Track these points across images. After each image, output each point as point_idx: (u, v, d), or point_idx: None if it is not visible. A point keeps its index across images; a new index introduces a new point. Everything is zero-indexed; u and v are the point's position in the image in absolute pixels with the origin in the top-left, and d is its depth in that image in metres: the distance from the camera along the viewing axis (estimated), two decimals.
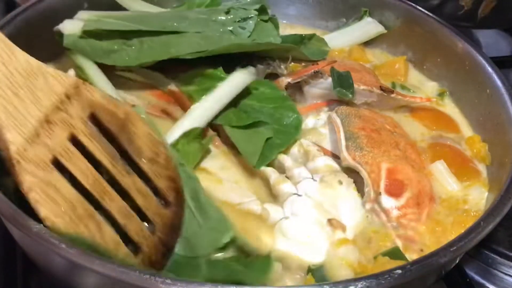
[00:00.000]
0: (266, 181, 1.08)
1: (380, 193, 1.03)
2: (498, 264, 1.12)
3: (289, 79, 1.23)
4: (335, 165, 1.09)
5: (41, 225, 0.82)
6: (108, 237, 0.83)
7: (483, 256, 1.13)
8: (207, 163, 1.09)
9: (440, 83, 1.41)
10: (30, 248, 0.94)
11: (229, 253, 0.93)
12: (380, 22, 1.50)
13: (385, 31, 1.49)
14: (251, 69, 1.20)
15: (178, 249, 0.90)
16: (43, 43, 1.28)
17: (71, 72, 1.18)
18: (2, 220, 0.90)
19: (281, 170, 1.09)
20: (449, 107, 1.36)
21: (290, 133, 1.13)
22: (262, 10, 1.32)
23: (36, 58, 1.26)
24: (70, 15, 1.30)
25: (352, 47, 1.48)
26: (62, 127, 0.82)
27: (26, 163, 0.77)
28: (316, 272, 0.92)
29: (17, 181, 0.78)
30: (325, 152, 1.13)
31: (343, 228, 1.00)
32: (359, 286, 0.78)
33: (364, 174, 1.04)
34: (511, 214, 0.97)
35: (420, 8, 1.45)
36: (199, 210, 0.93)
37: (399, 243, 1.00)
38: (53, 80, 0.83)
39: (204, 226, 0.91)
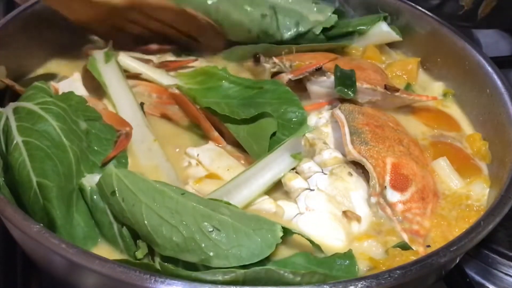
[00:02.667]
0: None
1: (385, 187, 1.04)
2: (498, 264, 1.12)
3: (290, 76, 1.23)
4: (341, 156, 1.10)
5: (41, 225, 0.82)
6: None
7: (483, 256, 1.13)
8: (214, 165, 1.09)
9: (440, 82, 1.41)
10: (30, 248, 0.94)
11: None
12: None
13: (401, 39, 1.46)
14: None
15: (243, 262, 0.86)
16: (42, 43, 1.29)
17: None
18: (2, 220, 0.90)
19: None
20: (450, 107, 1.35)
21: (295, 129, 1.13)
22: None
23: (35, 57, 1.30)
24: None
25: (367, 46, 1.46)
26: None
27: None
28: None
29: None
30: None
31: (358, 219, 1.02)
32: (359, 286, 0.79)
33: (369, 167, 1.05)
34: (511, 214, 0.97)
35: (420, 8, 1.45)
36: (237, 219, 0.89)
37: (405, 237, 1.01)
38: None
39: (251, 231, 0.88)
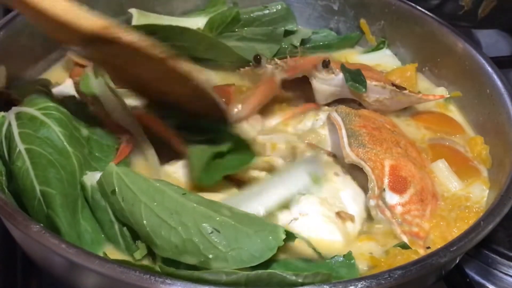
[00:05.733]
0: None
1: (384, 189, 1.04)
2: (498, 264, 1.12)
3: (284, 75, 1.21)
4: (325, 157, 1.09)
5: (41, 225, 0.82)
6: None
7: (483, 256, 1.13)
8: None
9: (439, 82, 1.41)
10: (30, 248, 0.94)
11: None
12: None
13: (401, 66, 1.47)
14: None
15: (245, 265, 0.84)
16: (42, 43, 1.29)
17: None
18: (2, 220, 0.90)
19: (271, 169, 1.08)
20: (450, 107, 1.35)
21: (245, 160, 1.07)
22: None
23: (36, 58, 1.29)
24: None
25: None
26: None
27: None
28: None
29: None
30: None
31: (352, 219, 1.01)
32: (359, 286, 0.79)
33: (368, 170, 1.04)
34: (511, 214, 0.97)
35: (420, 8, 1.45)
36: (238, 220, 0.87)
37: (405, 239, 1.01)
38: None
39: (252, 233, 0.86)
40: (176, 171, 1.08)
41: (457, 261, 1.00)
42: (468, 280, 1.08)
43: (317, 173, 1.02)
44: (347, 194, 1.04)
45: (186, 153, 1.08)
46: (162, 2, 1.47)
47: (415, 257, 0.93)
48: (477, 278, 1.12)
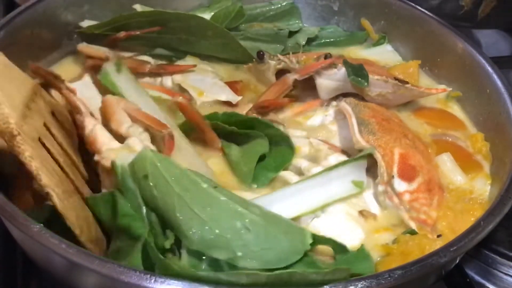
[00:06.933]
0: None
1: (393, 176, 1.04)
2: (498, 264, 1.12)
3: (295, 76, 1.22)
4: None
5: (41, 225, 0.82)
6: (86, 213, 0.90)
7: (483, 256, 1.13)
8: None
9: (439, 82, 1.41)
10: (30, 248, 0.94)
11: None
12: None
13: (402, 62, 1.47)
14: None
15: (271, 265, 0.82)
16: (43, 43, 1.29)
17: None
18: (2, 220, 0.90)
19: (296, 171, 1.09)
20: (450, 106, 1.35)
21: (285, 157, 1.10)
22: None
23: (36, 58, 1.29)
24: (70, 15, 1.30)
25: None
26: (39, 115, 0.90)
27: (24, 135, 0.83)
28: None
29: (18, 152, 0.82)
30: (334, 149, 1.14)
31: (374, 217, 1.02)
32: (359, 286, 0.78)
33: (378, 156, 1.05)
34: (511, 214, 0.97)
35: (420, 8, 1.45)
36: (267, 220, 0.86)
37: (413, 225, 1.01)
38: (22, 76, 0.93)
39: (281, 236, 0.85)
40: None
41: (457, 261, 1.00)
42: (468, 280, 1.08)
43: (360, 180, 1.02)
44: (370, 194, 1.06)
45: (218, 150, 1.11)
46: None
47: (426, 242, 0.95)
48: (477, 278, 1.12)
